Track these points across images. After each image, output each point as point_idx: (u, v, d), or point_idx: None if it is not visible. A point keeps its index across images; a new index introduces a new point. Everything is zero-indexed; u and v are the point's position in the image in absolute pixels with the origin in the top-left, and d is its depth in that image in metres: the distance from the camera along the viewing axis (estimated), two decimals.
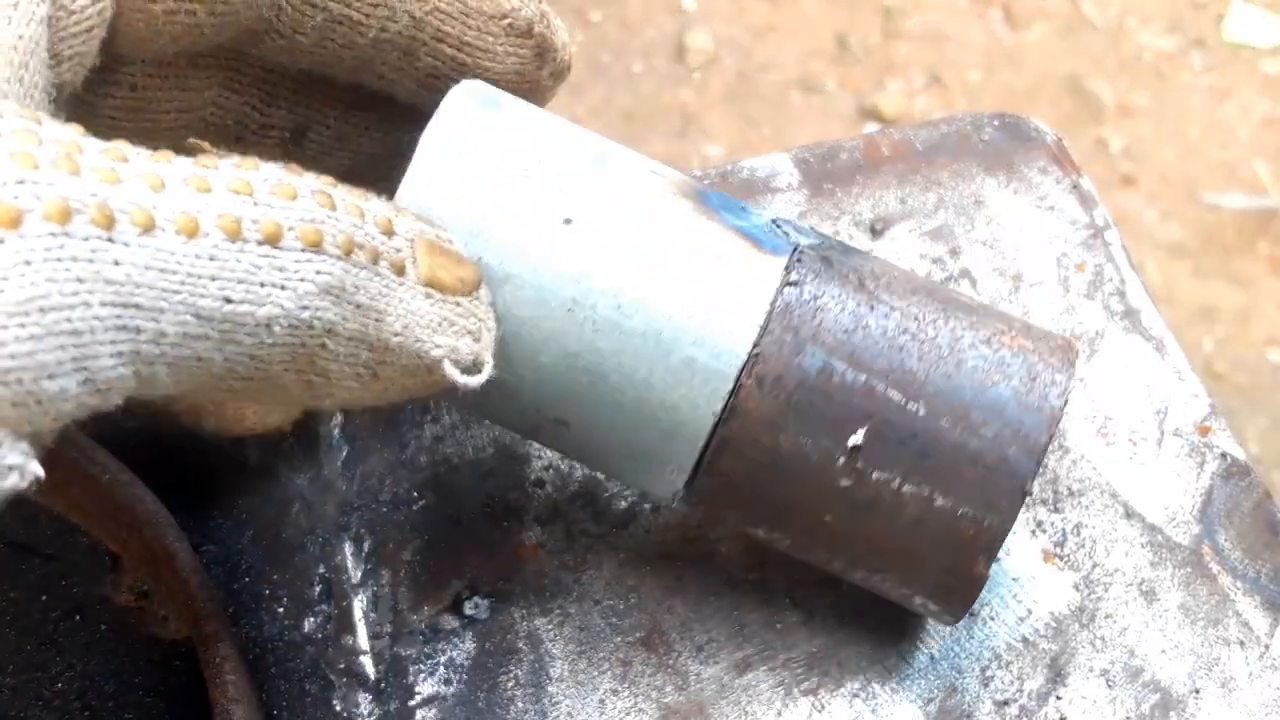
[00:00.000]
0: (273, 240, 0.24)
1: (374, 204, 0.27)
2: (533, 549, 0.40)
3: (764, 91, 1.53)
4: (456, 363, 0.28)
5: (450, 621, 0.39)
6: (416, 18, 0.33)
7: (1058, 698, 0.38)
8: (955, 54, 1.57)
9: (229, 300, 0.24)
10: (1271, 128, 1.52)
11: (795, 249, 0.33)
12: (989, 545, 0.33)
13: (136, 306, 0.22)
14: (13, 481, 0.21)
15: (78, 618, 0.37)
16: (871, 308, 0.33)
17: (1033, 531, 0.41)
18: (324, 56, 0.33)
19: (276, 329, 0.25)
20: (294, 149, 0.36)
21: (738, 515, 0.34)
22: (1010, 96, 1.51)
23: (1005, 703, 0.38)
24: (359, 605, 0.39)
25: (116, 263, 0.22)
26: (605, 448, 0.33)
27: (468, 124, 0.32)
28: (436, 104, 0.32)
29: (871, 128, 1.46)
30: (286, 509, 0.40)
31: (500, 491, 0.41)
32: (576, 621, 0.39)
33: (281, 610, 0.39)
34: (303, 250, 0.25)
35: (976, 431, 0.32)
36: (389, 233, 0.27)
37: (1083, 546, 0.41)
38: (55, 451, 0.23)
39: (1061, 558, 0.40)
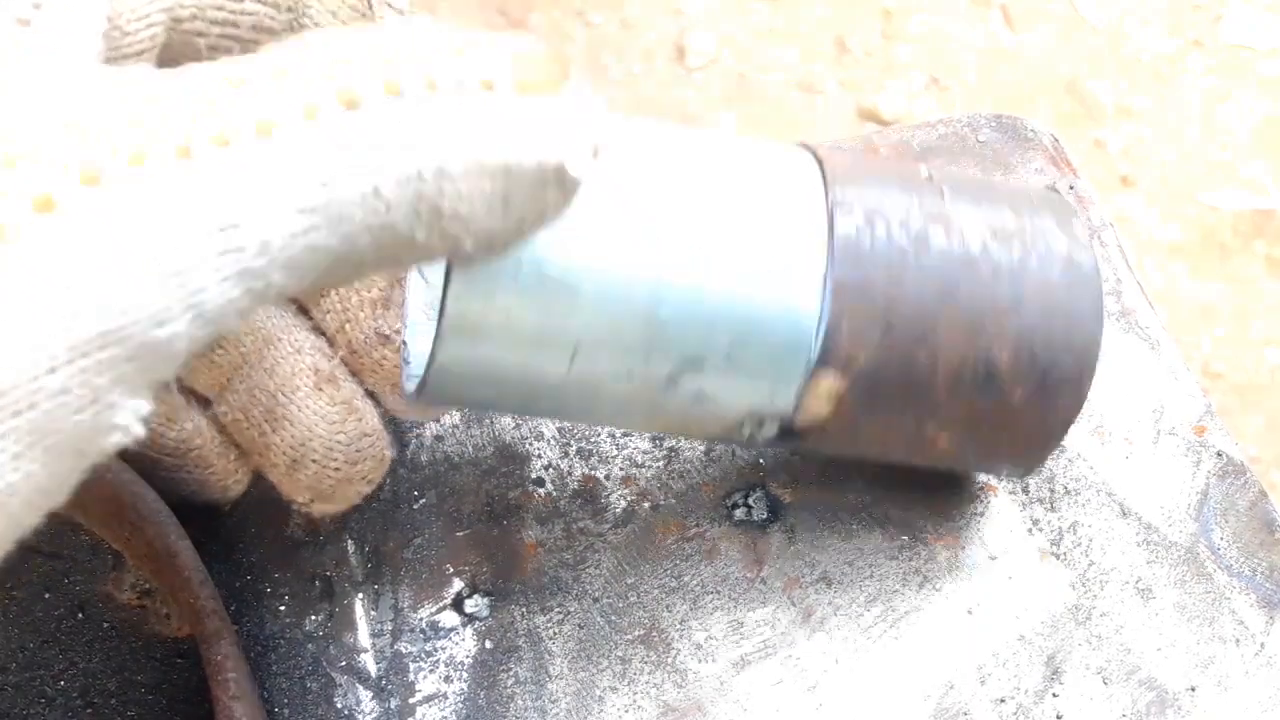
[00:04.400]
0: (353, 105, 0.23)
1: (446, 33, 0.26)
2: (532, 548, 0.40)
3: (764, 93, 1.53)
4: (578, 160, 0.26)
5: (451, 619, 0.39)
6: None
7: (1054, 695, 0.38)
8: (955, 55, 1.57)
9: (325, 184, 0.23)
10: (1270, 128, 1.52)
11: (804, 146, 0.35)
12: (1096, 292, 0.35)
13: (235, 227, 0.22)
14: (116, 439, 0.21)
15: (80, 616, 0.37)
16: (897, 170, 0.36)
17: (1029, 530, 0.41)
18: None
19: (387, 191, 0.23)
20: None
21: (875, 330, 0.33)
22: (1010, 98, 1.51)
23: (1002, 700, 0.38)
24: (360, 603, 0.39)
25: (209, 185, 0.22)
26: (721, 384, 0.33)
27: None
28: None
29: (871, 129, 1.46)
30: (288, 507, 0.41)
31: (500, 490, 0.41)
32: (576, 620, 0.39)
33: (283, 608, 0.39)
34: (387, 100, 0.24)
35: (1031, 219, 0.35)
36: (462, 55, 0.25)
37: (1079, 545, 0.41)
38: None
39: (1058, 556, 0.41)
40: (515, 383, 0.32)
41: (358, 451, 0.36)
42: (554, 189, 0.26)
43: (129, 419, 0.21)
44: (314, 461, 0.35)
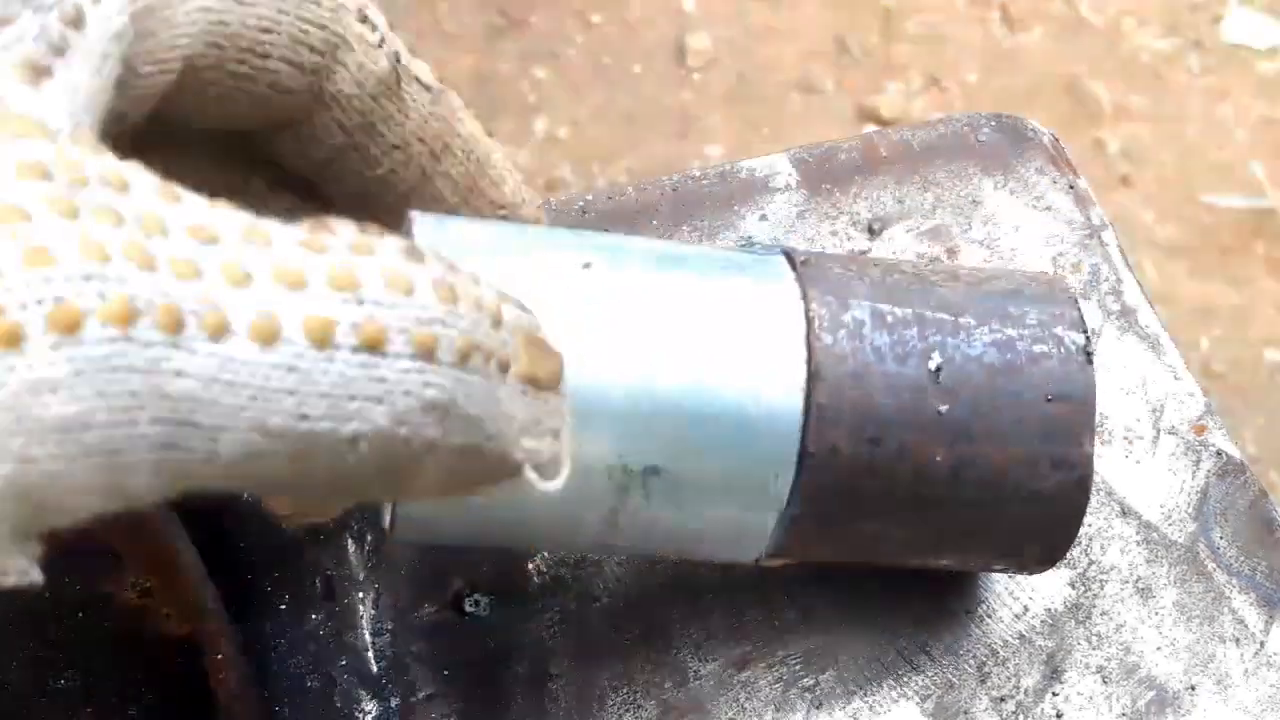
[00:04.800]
0: (374, 347, 0.21)
1: (485, 288, 0.23)
2: (532, 547, 0.40)
3: (764, 93, 1.53)
4: (536, 465, 0.25)
5: (451, 619, 0.39)
6: (427, 174, 0.32)
7: (1054, 694, 0.38)
8: (954, 55, 1.57)
9: (305, 417, 0.20)
10: (1269, 128, 1.52)
11: (780, 249, 0.35)
12: (1085, 422, 0.34)
13: (193, 425, 0.20)
14: (12, 583, 0.19)
15: (80, 615, 0.37)
16: (879, 268, 0.35)
17: None
18: (326, 173, 0.32)
19: (363, 446, 0.21)
20: None
21: (848, 506, 0.33)
22: (1008, 97, 1.51)
23: (1002, 699, 0.38)
24: (360, 603, 0.39)
25: (178, 374, 0.19)
26: (702, 482, 0.32)
27: (449, 225, 0.32)
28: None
29: (870, 129, 1.46)
30: None
31: None
32: (576, 619, 0.39)
33: (284, 608, 0.39)
34: (411, 358, 0.21)
35: (1023, 322, 0.34)
36: (498, 324, 0.23)
37: (1078, 544, 0.41)
38: None
39: None
40: (481, 538, 0.34)
41: None
42: (500, 475, 0.25)
43: (24, 565, 0.19)
44: None
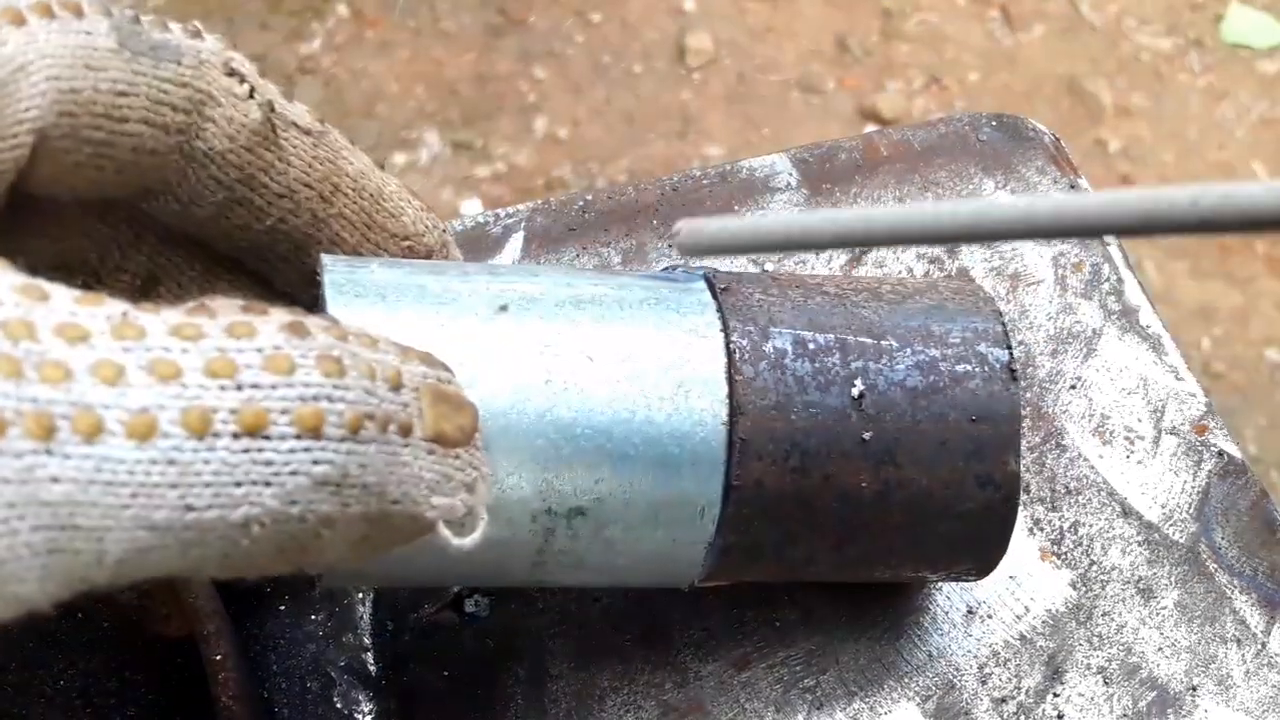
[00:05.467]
0: (254, 431, 0.21)
1: (382, 350, 0.23)
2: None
3: (764, 92, 1.53)
4: (449, 521, 0.24)
5: (451, 619, 0.39)
6: (319, 217, 0.32)
7: (1055, 695, 0.38)
8: (954, 55, 1.57)
9: (191, 509, 0.20)
10: (1269, 128, 1.52)
11: (701, 273, 0.34)
12: (1010, 440, 0.34)
13: (75, 528, 0.19)
14: None
15: (79, 616, 0.37)
16: (800, 290, 0.35)
17: (1030, 530, 0.41)
18: (214, 230, 0.32)
19: (256, 529, 0.21)
20: (139, 297, 0.33)
21: (776, 533, 0.33)
22: (1009, 97, 1.51)
23: (1003, 700, 0.38)
24: (360, 603, 0.39)
25: (54, 480, 0.19)
26: (628, 520, 0.32)
27: (361, 270, 0.31)
28: (313, 297, 0.31)
29: (871, 128, 1.46)
30: None
31: None
32: (576, 619, 0.39)
33: (283, 608, 0.39)
34: (297, 438, 0.21)
35: (945, 341, 0.34)
36: (397, 387, 0.23)
37: (1080, 544, 0.41)
38: None
39: (1059, 555, 0.41)
40: (410, 580, 0.34)
41: None
42: (414, 533, 0.24)
43: None
44: None
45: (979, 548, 0.35)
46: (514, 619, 0.39)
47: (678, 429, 0.31)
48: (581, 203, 0.47)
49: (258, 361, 0.21)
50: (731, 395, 0.32)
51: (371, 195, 0.33)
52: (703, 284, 0.34)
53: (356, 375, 0.22)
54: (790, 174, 0.49)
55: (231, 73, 0.30)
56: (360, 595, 0.39)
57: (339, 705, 0.37)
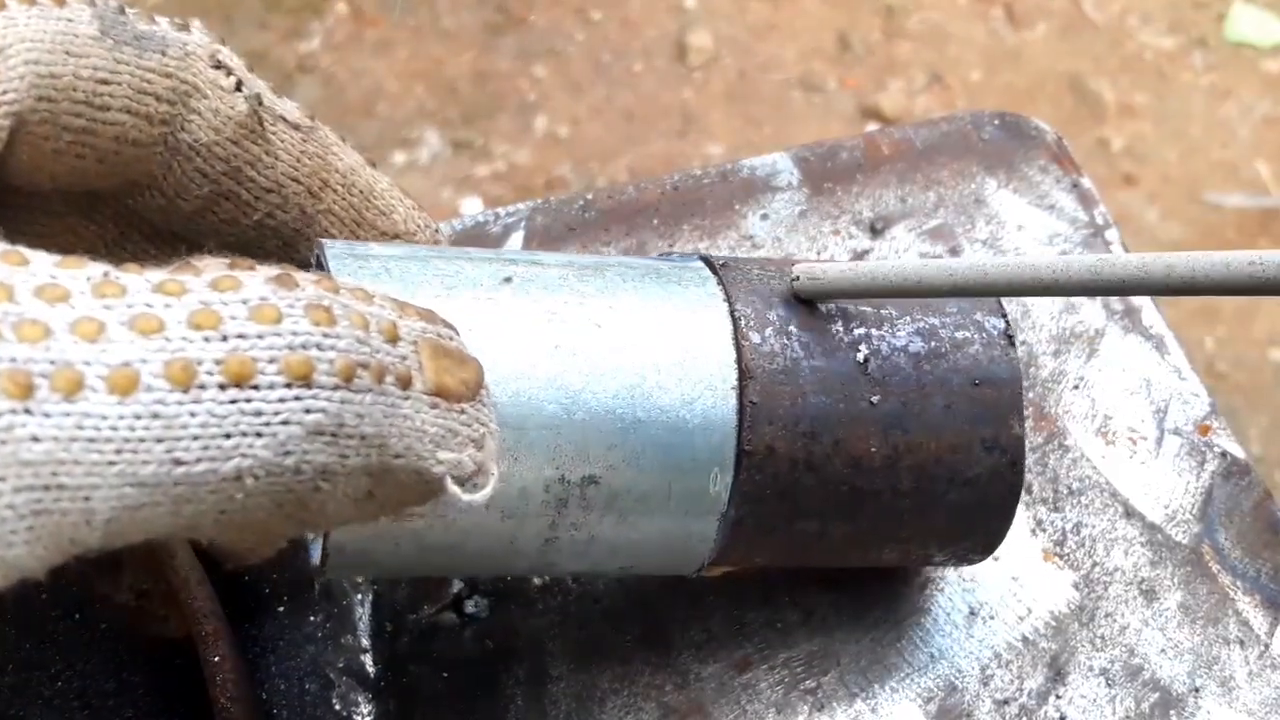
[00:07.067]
0: (241, 381, 0.20)
1: (378, 304, 0.23)
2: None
3: (765, 91, 1.53)
4: (458, 477, 0.24)
5: (450, 620, 0.39)
6: (307, 213, 0.32)
7: (1057, 696, 0.38)
8: (956, 53, 1.56)
9: (179, 463, 0.20)
10: (1272, 127, 1.52)
11: (697, 256, 0.35)
12: (1013, 403, 0.34)
13: (60, 488, 0.19)
14: None
15: (77, 616, 0.37)
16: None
17: (1032, 530, 0.41)
18: (202, 225, 0.31)
19: (250, 482, 0.21)
20: None
21: (787, 505, 0.33)
22: (1011, 96, 1.51)
23: (1005, 701, 0.38)
24: (359, 604, 0.39)
25: (35, 439, 0.19)
26: (641, 489, 0.31)
27: (360, 248, 0.31)
28: None
29: (873, 127, 1.46)
30: None
31: None
32: (576, 620, 0.39)
33: (282, 609, 0.39)
34: (287, 386, 0.21)
35: (943, 310, 0.34)
36: (394, 339, 0.23)
37: (1082, 545, 0.41)
38: None
39: (1061, 557, 0.40)
40: (417, 567, 0.32)
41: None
42: (424, 492, 0.24)
43: None
44: None
45: (987, 516, 0.35)
46: (514, 620, 0.39)
47: (688, 394, 0.31)
48: (582, 202, 0.47)
49: (243, 313, 0.21)
50: (740, 360, 0.32)
51: (361, 192, 0.33)
52: (700, 262, 0.34)
53: (348, 325, 0.22)
54: (791, 173, 0.48)
55: (218, 65, 0.29)
56: (359, 596, 0.39)
57: (338, 707, 0.37)
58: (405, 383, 0.23)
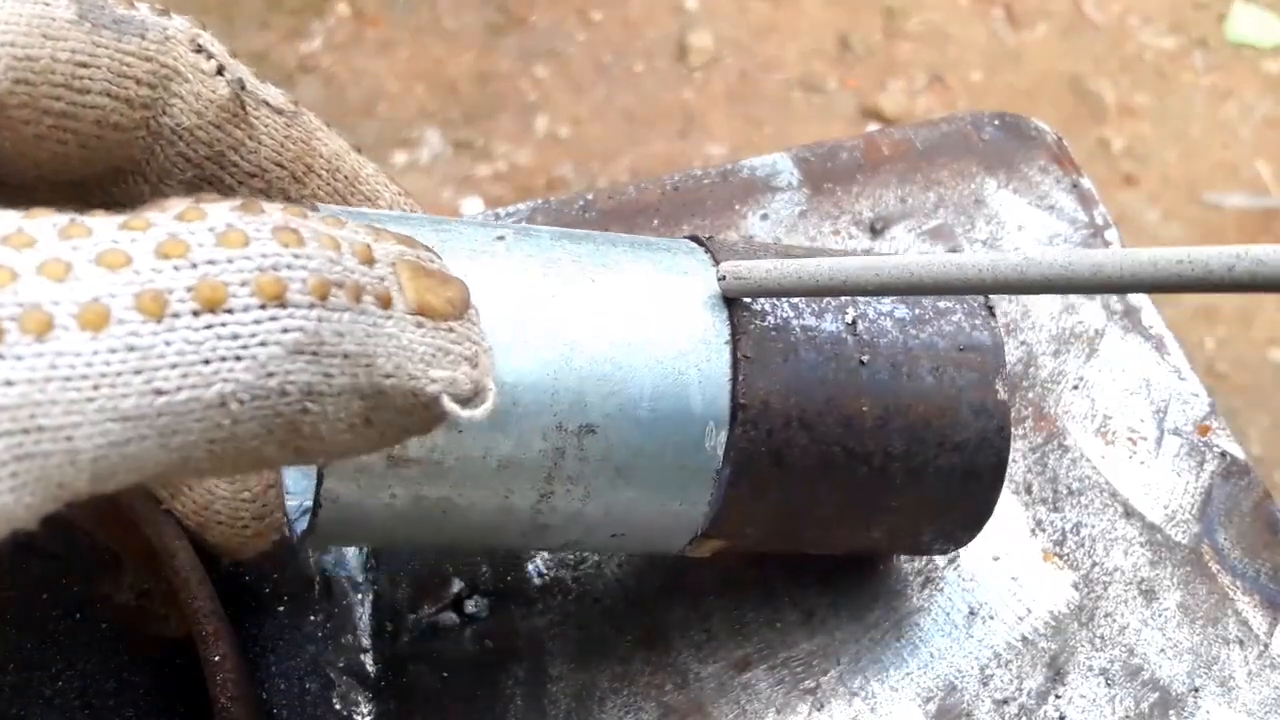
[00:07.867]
0: (214, 306, 0.20)
1: (350, 229, 0.23)
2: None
3: (766, 91, 1.53)
4: (455, 396, 0.24)
5: (450, 620, 0.39)
6: (292, 199, 0.32)
7: (1057, 696, 0.38)
8: (957, 54, 1.56)
9: (160, 392, 0.20)
10: (1273, 128, 1.52)
11: (686, 236, 0.35)
12: (997, 369, 0.34)
13: (39, 429, 0.19)
14: None
15: (78, 616, 0.37)
16: (775, 247, 0.35)
17: (1032, 530, 0.41)
18: None
19: (235, 406, 0.20)
20: None
21: (781, 471, 0.33)
22: (1012, 96, 1.51)
23: (1004, 701, 0.38)
24: (359, 604, 0.39)
25: (7, 384, 0.18)
26: (637, 441, 0.31)
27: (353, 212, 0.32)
28: None
29: (873, 127, 1.46)
30: None
31: None
32: (576, 620, 0.39)
33: (282, 609, 0.39)
34: (261, 308, 0.21)
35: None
36: (369, 261, 0.23)
37: (1082, 545, 0.41)
38: None
39: (1061, 557, 0.40)
40: (409, 531, 0.32)
41: (264, 506, 0.34)
42: (424, 416, 0.24)
43: None
44: (219, 524, 0.34)
45: (975, 484, 0.35)
46: (514, 620, 0.39)
47: (684, 347, 0.31)
48: (582, 202, 0.47)
49: (210, 240, 0.21)
50: (732, 317, 0.32)
51: (347, 177, 0.33)
52: (688, 240, 0.35)
53: (317, 245, 0.21)
54: (792, 173, 0.48)
55: (199, 49, 0.29)
56: (359, 596, 0.39)
57: (338, 706, 0.37)
58: (385, 302, 0.22)
